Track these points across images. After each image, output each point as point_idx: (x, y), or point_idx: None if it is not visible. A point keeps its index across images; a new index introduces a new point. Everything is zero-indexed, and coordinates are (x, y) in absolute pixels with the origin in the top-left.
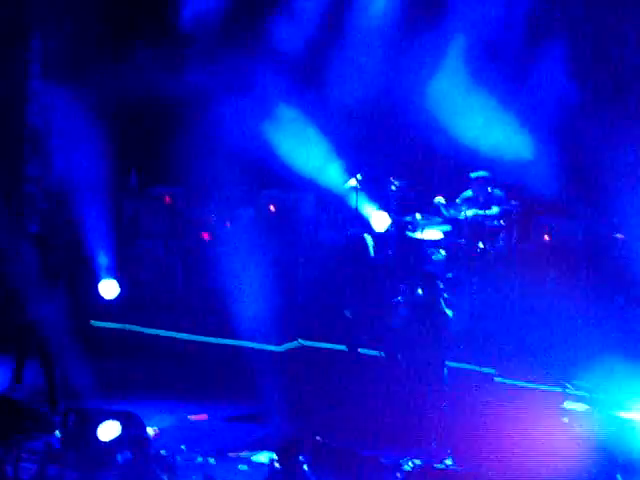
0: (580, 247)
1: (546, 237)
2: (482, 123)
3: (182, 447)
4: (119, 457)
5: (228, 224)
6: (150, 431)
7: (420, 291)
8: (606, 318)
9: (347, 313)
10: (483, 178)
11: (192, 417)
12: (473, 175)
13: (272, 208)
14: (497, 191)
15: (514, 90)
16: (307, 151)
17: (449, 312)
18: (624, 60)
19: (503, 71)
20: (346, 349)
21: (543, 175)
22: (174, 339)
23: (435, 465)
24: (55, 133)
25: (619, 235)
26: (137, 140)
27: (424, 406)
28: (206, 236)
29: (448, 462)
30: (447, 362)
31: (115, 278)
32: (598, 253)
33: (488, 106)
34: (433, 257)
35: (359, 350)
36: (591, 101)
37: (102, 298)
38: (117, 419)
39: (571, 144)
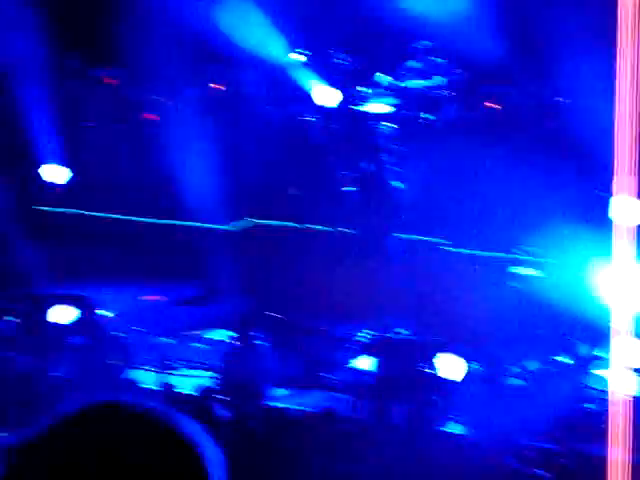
0: (525, 113)
1: (490, 105)
2: None
3: (136, 328)
4: (72, 340)
5: (172, 103)
6: (104, 314)
7: None
8: (553, 184)
9: (291, 191)
10: (426, 48)
11: (146, 298)
12: (416, 45)
13: (215, 85)
14: (440, 60)
15: None
16: (249, 26)
17: (397, 184)
18: None
19: None
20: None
21: (486, 43)
22: (124, 222)
23: (389, 335)
24: None
25: (562, 99)
26: (76, 21)
27: (376, 279)
28: (151, 117)
29: (401, 331)
30: (396, 233)
31: (59, 162)
32: (543, 119)
33: None
34: (378, 130)
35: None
36: None
37: (47, 183)
38: (69, 303)
39: (512, 10)
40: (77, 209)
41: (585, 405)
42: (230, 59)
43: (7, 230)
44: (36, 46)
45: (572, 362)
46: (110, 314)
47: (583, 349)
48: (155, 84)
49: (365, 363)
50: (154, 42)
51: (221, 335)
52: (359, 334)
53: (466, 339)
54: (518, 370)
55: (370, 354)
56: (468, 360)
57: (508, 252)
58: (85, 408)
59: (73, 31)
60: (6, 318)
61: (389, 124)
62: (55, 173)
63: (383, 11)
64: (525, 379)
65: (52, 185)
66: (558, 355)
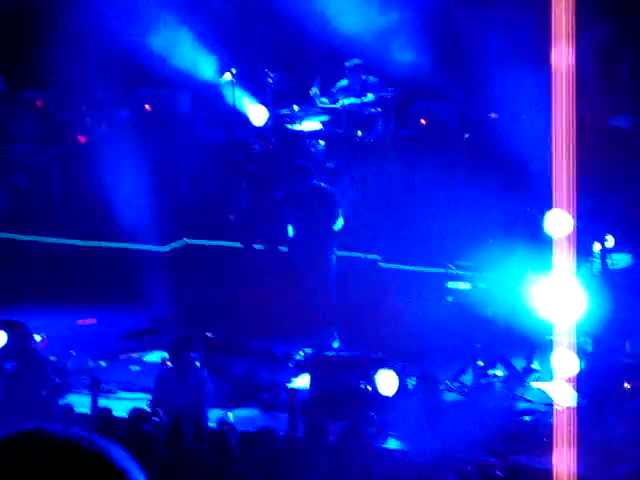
0: (457, 129)
1: (423, 122)
2: (354, 9)
3: (72, 352)
4: (6, 366)
5: (104, 125)
6: (38, 338)
7: None
8: (486, 199)
9: (230, 217)
10: (357, 66)
11: (80, 322)
12: (347, 64)
13: (147, 107)
14: (372, 78)
15: None
16: (180, 47)
17: (331, 201)
18: None
19: None
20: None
21: (417, 59)
22: (56, 245)
23: (325, 352)
24: None
25: (493, 115)
26: (3, 43)
27: (312, 297)
28: (82, 139)
29: (335, 344)
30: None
31: None
32: (475, 134)
33: None
34: (312, 148)
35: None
36: None
37: None
38: (2, 328)
39: (443, 28)
40: (10, 232)
41: (524, 418)
42: (162, 80)
43: None
44: None
45: (509, 375)
46: (44, 337)
47: (520, 362)
48: (86, 106)
49: (302, 381)
50: (84, 64)
51: (156, 357)
52: (296, 352)
53: (403, 355)
54: (456, 384)
55: (307, 372)
56: (405, 376)
57: (444, 267)
58: (8, 437)
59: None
60: None
61: (322, 142)
62: None
63: (315, 29)
64: (463, 393)
65: None
66: (495, 369)
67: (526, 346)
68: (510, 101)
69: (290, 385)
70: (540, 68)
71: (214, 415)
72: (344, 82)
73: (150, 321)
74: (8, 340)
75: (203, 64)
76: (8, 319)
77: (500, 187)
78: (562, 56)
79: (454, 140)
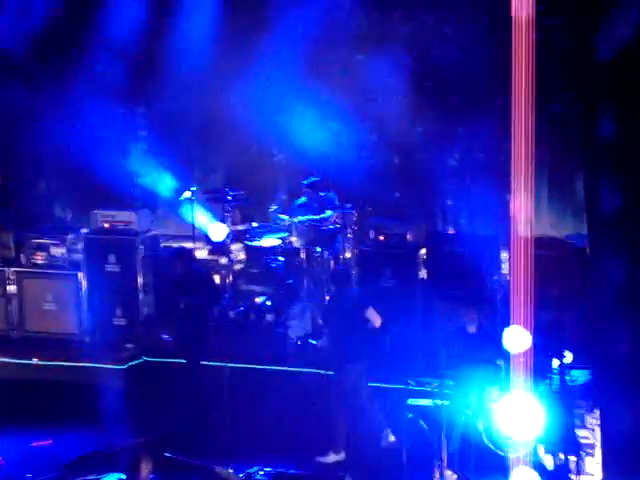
0: (414, 245)
1: (380, 237)
2: (312, 127)
3: (28, 475)
4: None
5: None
6: None
7: None
8: (446, 314)
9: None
10: (315, 183)
11: (36, 443)
12: (305, 182)
13: (106, 226)
14: (330, 195)
15: (343, 92)
16: (138, 167)
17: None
18: (446, 61)
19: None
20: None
21: (374, 177)
22: (10, 365)
23: (285, 471)
24: None
25: (451, 230)
26: None
27: (271, 415)
28: (38, 258)
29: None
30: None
31: None
32: (433, 250)
33: (316, 109)
34: (272, 264)
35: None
36: (417, 103)
37: None
38: None
39: (399, 148)
40: None
41: None
42: (121, 199)
43: None
44: None
45: None
46: (1, 460)
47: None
48: (44, 226)
49: None
50: (43, 184)
51: (115, 478)
52: (256, 472)
53: (364, 472)
54: None
55: None
56: None
57: (404, 383)
58: None
59: None
60: None
61: (281, 258)
62: None
63: (274, 146)
64: None
65: None
66: None
67: (487, 463)
68: (467, 215)
69: None
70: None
71: None
72: (302, 199)
73: (105, 443)
74: None
75: (165, 183)
76: None
77: (459, 302)
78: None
79: (411, 256)
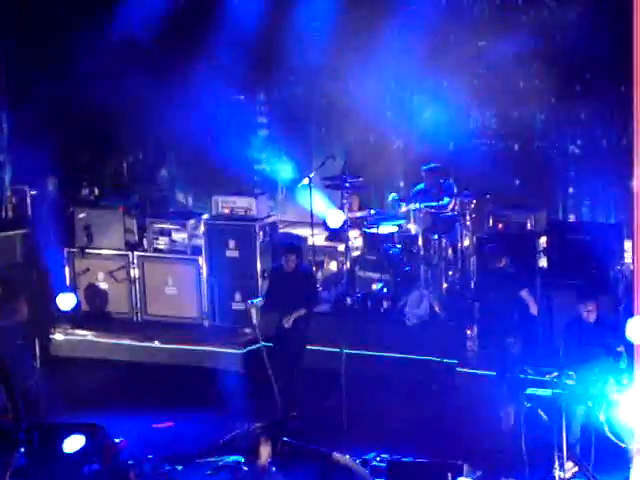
0: (534, 234)
1: (500, 226)
2: (431, 114)
3: (149, 456)
4: (86, 469)
5: (184, 231)
6: (116, 441)
7: None
8: (566, 304)
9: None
10: (434, 169)
11: (157, 425)
12: (424, 167)
13: (227, 211)
14: (449, 182)
15: (460, 80)
16: (258, 154)
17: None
18: (569, 46)
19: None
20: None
21: (494, 164)
22: (132, 348)
23: (403, 458)
24: (1, 145)
25: (572, 218)
26: (89, 150)
27: (389, 402)
28: (160, 243)
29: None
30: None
31: (72, 291)
32: (553, 239)
33: (436, 96)
34: (390, 252)
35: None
36: (538, 89)
37: (60, 311)
38: (81, 432)
39: (520, 135)
40: (90, 335)
41: None
42: (241, 185)
43: (21, 359)
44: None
45: None
46: (122, 441)
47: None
48: (166, 211)
49: None
50: (165, 171)
51: (232, 460)
52: (373, 458)
53: (483, 462)
54: None
55: (384, 478)
56: None
57: (523, 373)
58: None
59: (85, 160)
60: (20, 449)
61: (399, 245)
62: (69, 301)
63: (393, 133)
64: None
65: (64, 313)
66: (576, 478)
67: (608, 455)
68: (589, 203)
69: None
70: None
71: None
72: (421, 186)
73: (224, 427)
74: (87, 443)
75: (281, 170)
76: (87, 422)
77: (580, 291)
78: None
79: (531, 244)
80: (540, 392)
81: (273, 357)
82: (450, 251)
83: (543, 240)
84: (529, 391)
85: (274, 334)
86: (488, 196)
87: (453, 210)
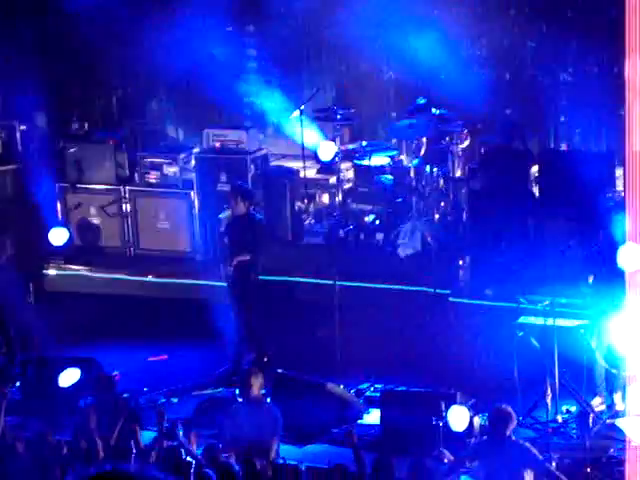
0: (524, 162)
1: (485, 153)
2: (422, 44)
3: (144, 389)
4: (81, 402)
5: (178, 164)
6: (110, 375)
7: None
8: (558, 232)
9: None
10: (425, 102)
11: (152, 358)
12: (417, 101)
13: (217, 145)
14: (442, 112)
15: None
16: (249, 86)
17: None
18: None
19: None
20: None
21: (484, 94)
22: (126, 282)
23: (396, 388)
24: None
25: (563, 146)
26: (77, 83)
27: (381, 333)
28: (152, 177)
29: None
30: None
31: (64, 225)
32: (545, 167)
33: (426, 27)
34: (382, 183)
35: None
36: (529, 17)
37: (52, 246)
38: (76, 366)
39: (511, 64)
40: (82, 270)
41: (599, 454)
42: (233, 118)
43: (14, 294)
44: (37, 112)
45: (583, 411)
46: (117, 374)
47: (595, 399)
48: (157, 145)
49: (373, 417)
50: (155, 104)
51: (226, 391)
52: (367, 388)
53: (474, 390)
54: (530, 421)
55: (377, 408)
56: (477, 412)
57: (515, 302)
58: (86, 478)
59: (74, 93)
60: (15, 384)
61: (390, 176)
62: (60, 236)
63: (384, 65)
64: (536, 429)
65: (56, 248)
66: (569, 405)
67: (601, 382)
68: (581, 131)
69: (361, 421)
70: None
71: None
72: (410, 121)
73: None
74: (82, 377)
75: (272, 102)
76: (81, 356)
77: (571, 219)
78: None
79: (522, 174)
80: (532, 321)
81: (229, 298)
82: (442, 182)
83: (535, 169)
84: (521, 320)
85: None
86: (479, 126)
87: (445, 141)
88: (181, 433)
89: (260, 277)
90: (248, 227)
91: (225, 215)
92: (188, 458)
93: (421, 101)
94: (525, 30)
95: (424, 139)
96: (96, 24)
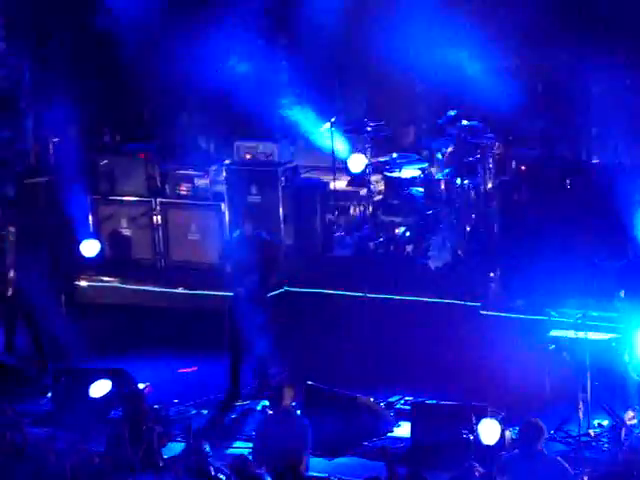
0: (557, 175)
1: (522, 168)
2: (454, 57)
3: (175, 401)
4: (112, 414)
5: (207, 175)
6: (141, 386)
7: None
8: (588, 245)
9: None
10: (457, 115)
11: (182, 370)
12: (448, 113)
13: (248, 157)
14: (471, 123)
15: (484, 20)
16: (281, 98)
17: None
18: None
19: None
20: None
21: (516, 106)
22: (157, 294)
23: (427, 401)
24: (25, 95)
25: (595, 160)
26: (109, 96)
27: (412, 345)
28: (183, 189)
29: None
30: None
31: (95, 237)
32: (575, 180)
33: (458, 39)
34: (412, 195)
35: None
36: (559, 29)
37: (84, 257)
38: (107, 377)
39: (541, 74)
40: (114, 282)
41: (631, 468)
42: (264, 130)
43: (46, 306)
44: (70, 124)
45: (616, 425)
46: (148, 386)
47: (628, 413)
48: (187, 156)
49: (403, 430)
50: (187, 116)
51: (259, 405)
52: (397, 401)
53: (506, 404)
54: (561, 435)
55: (408, 421)
56: (508, 425)
57: (546, 315)
58: None
59: (106, 107)
60: (47, 395)
61: (421, 189)
62: (92, 247)
63: (416, 77)
64: (567, 443)
65: (88, 259)
66: (601, 419)
67: (633, 395)
68: (613, 144)
69: (391, 434)
70: None
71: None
72: (443, 130)
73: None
74: (113, 388)
75: (303, 114)
76: (113, 368)
77: (603, 233)
78: None
79: (554, 186)
80: (564, 334)
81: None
82: (473, 194)
83: (568, 182)
84: (553, 333)
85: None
86: (511, 138)
87: (476, 153)
88: (208, 447)
89: (289, 289)
90: (256, 248)
91: (236, 235)
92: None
93: (452, 113)
94: (557, 41)
95: (454, 151)
96: (128, 39)
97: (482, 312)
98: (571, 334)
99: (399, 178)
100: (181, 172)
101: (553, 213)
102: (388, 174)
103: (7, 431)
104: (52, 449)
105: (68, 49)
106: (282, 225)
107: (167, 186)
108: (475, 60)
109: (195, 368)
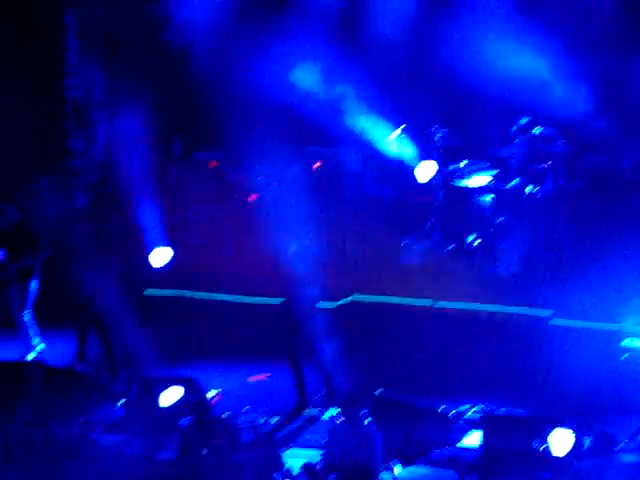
0: (627, 182)
1: (592, 175)
2: (524, 64)
3: (245, 408)
4: (182, 422)
5: (275, 184)
6: (212, 394)
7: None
8: None
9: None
10: (528, 123)
11: (252, 378)
12: (520, 121)
13: (317, 165)
14: (541, 130)
15: (553, 30)
16: (350, 105)
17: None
18: None
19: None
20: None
21: (586, 113)
22: (228, 303)
23: (497, 411)
24: (97, 105)
25: None
26: (179, 106)
27: (477, 355)
28: (253, 198)
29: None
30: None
31: (166, 245)
32: None
33: (529, 46)
34: (481, 203)
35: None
36: (631, 36)
37: (154, 266)
38: (178, 385)
39: (613, 81)
40: (184, 290)
41: None
42: (331, 138)
43: (117, 314)
44: (141, 133)
45: None
46: (219, 394)
47: None
48: (257, 165)
49: (472, 439)
50: (255, 124)
51: (329, 413)
52: (465, 410)
53: (578, 414)
54: (634, 444)
55: (478, 430)
56: (581, 435)
57: (619, 324)
58: None
59: (176, 116)
60: (119, 402)
61: (490, 196)
62: (162, 256)
63: (485, 84)
64: None
65: (158, 268)
66: None
67: None
68: None
69: (460, 444)
70: None
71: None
72: (514, 137)
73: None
74: (184, 396)
75: (374, 122)
76: (183, 376)
77: None
78: None
79: (625, 193)
80: (637, 343)
81: None
82: (543, 202)
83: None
84: (626, 342)
85: None
86: (581, 145)
87: (546, 161)
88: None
89: (357, 298)
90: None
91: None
92: None
93: (523, 121)
94: (627, 48)
95: (525, 158)
96: (198, 49)
97: (552, 321)
98: None
99: (468, 186)
100: (249, 180)
101: (624, 220)
102: (457, 182)
103: (58, 429)
104: (124, 455)
105: (139, 60)
106: (349, 234)
107: (235, 194)
108: (546, 67)
109: (266, 375)
